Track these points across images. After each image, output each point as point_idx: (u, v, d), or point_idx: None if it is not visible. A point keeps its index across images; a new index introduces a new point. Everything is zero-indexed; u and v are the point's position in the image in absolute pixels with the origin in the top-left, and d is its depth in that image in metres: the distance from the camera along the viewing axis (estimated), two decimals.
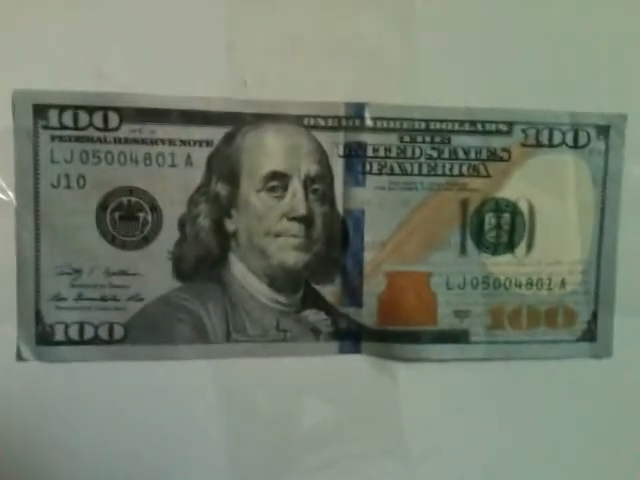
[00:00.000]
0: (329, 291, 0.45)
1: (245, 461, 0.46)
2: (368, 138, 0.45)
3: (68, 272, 0.43)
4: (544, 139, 0.46)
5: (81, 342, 0.43)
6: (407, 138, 0.45)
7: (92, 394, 0.44)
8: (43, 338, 0.43)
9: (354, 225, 0.45)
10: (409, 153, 0.45)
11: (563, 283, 0.47)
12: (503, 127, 0.46)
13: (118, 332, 0.43)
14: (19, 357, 0.43)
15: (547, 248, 0.47)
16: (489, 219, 0.46)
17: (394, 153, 0.45)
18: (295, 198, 0.44)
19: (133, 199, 0.43)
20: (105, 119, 0.42)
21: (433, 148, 0.45)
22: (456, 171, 0.46)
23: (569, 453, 0.48)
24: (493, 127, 0.46)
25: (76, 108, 0.42)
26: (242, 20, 0.43)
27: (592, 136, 0.46)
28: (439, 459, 0.47)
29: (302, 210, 0.44)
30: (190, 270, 0.44)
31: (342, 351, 0.46)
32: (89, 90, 0.42)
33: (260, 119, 0.43)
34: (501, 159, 0.46)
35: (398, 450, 0.47)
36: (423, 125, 0.45)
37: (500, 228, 0.46)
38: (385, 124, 0.45)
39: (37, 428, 0.43)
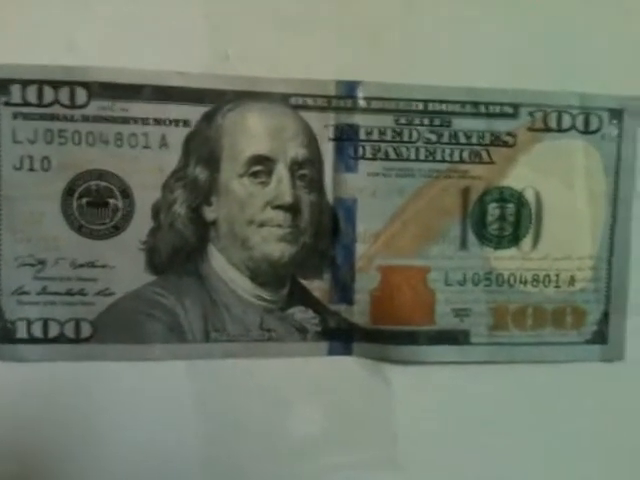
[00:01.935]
0: (317, 287, 0.44)
1: (224, 473, 0.44)
2: (361, 120, 0.43)
3: (31, 263, 0.41)
4: (552, 123, 0.45)
5: (45, 340, 0.42)
6: (403, 120, 0.43)
7: (57, 397, 0.42)
8: (3, 335, 0.41)
9: (345, 215, 0.44)
10: (406, 137, 0.44)
11: (572, 280, 0.46)
12: (508, 109, 0.44)
13: (85, 330, 0.42)
14: None
15: (555, 242, 0.45)
16: (492, 210, 0.45)
17: (389, 136, 0.43)
18: (280, 184, 0.42)
19: (102, 184, 0.41)
20: (72, 95, 0.40)
21: (432, 131, 0.44)
22: (457, 157, 0.44)
23: (576, 461, 0.47)
24: (497, 109, 0.44)
25: (41, 83, 0.40)
26: None
27: (604, 120, 0.45)
28: (436, 469, 0.46)
29: (288, 198, 0.42)
30: (165, 262, 0.42)
31: (331, 352, 0.44)
32: (55, 63, 0.40)
33: (242, 97, 0.42)
34: (506, 144, 0.44)
35: (392, 460, 0.45)
36: (421, 106, 0.44)
37: (504, 220, 0.45)
38: (379, 104, 0.43)
39: None
